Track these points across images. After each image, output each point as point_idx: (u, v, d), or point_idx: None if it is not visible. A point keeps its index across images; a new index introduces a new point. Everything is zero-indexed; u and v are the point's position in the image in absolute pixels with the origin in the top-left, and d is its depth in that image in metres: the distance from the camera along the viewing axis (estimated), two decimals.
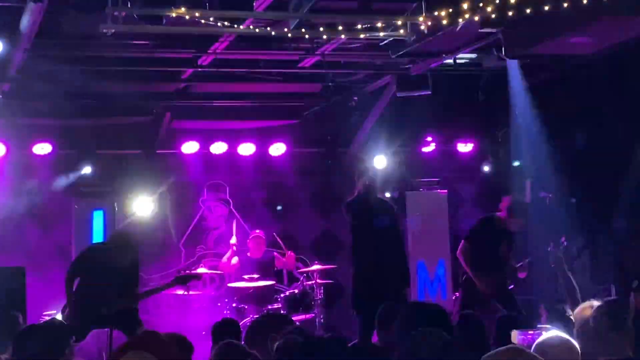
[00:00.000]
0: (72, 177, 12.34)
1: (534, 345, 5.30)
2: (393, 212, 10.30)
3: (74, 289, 9.47)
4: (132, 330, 9.08)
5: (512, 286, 11.10)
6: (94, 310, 9.05)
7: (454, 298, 12.18)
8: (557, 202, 12.13)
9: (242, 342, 6.81)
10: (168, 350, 3.45)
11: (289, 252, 12.46)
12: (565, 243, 11.66)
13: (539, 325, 9.11)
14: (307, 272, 12.31)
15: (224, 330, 8.00)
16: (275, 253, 12.52)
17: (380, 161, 13.34)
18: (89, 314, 9.08)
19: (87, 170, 12.44)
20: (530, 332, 6.41)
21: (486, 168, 13.79)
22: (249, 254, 12.40)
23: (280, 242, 12.49)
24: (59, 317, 10.22)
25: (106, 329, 8.47)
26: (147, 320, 13.00)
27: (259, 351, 6.44)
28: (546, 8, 7.53)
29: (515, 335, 6.38)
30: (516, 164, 13.37)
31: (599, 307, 5.82)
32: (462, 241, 11.00)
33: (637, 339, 5.61)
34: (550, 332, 5.79)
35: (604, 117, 13.13)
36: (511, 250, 10.96)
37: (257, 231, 12.52)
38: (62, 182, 12.31)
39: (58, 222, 12.61)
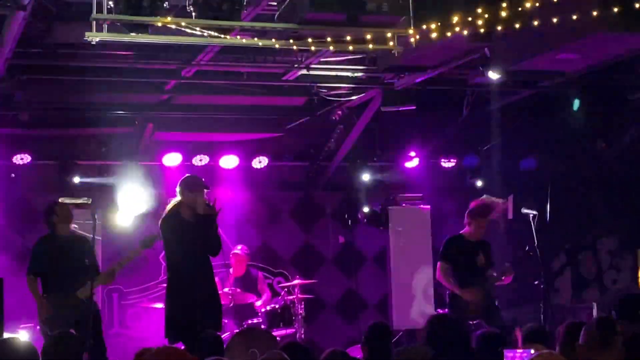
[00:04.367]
0: None
1: None
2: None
3: (40, 290, 9.46)
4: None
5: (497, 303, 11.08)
6: (69, 299, 9.22)
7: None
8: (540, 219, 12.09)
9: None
10: None
11: None
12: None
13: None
14: (288, 287, 12.22)
15: (206, 344, 7.91)
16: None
17: (363, 175, 13.36)
18: (66, 305, 9.21)
19: (75, 179, 12.35)
20: (518, 350, 6.37)
21: (479, 183, 13.72)
22: (230, 271, 12.29)
23: None
24: (25, 335, 10.15)
25: None
26: (125, 333, 12.95)
27: None
28: (535, 23, 7.49)
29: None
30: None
31: (588, 325, 5.78)
32: (439, 263, 11.01)
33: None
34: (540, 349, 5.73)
35: (587, 135, 13.16)
36: (489, 259, 10.96)
37: (239, 247, 12.39)
38: None
39: (39, 232, 12.43)
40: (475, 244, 10.88)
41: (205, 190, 9.36)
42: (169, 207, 9.54)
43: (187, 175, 9.64)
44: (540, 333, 8.59)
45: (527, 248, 11.40)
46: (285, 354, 6.11)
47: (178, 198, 9.39)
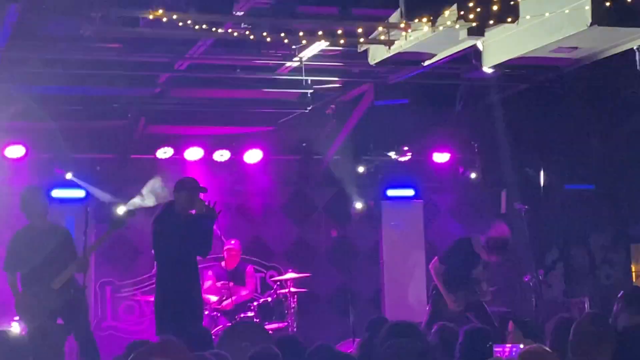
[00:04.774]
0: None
1: (517, 356, 5.23)
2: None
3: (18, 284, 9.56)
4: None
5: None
6: (44, 291, 9.34)
7: (427, 309, 12.11)
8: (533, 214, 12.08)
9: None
10: (187, 358, 3.45)
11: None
12: (541, 277, 11.59)
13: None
14: (280, 281, 12.22)
15: (195, 338, 7.91)
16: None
17: (356, 169, 13.35)
18: (41, 296, 9.33)
19: (69, 175, 12.32)
20: (507, 345, 6.38)
21: (473, 175, 13.69)
22: (223, 264, 12.29)
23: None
24: (17, 327, 10.16)
25: None
26: (118, 326, 12.94)
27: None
28: (528, 17, 7.49)
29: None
30: None
31: (579, 321, 5.79)
32: (436, 258, 11.01)
33: (620, 343, 5.58)
34: (529, 344, 5.74)
35: (579, 130, 13.17)
36: (485, 273, 10.96)
37: (232, 242, 12.38)
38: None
39: None
40: (480, 257, 10.83)
41: (202, 193, 9.51)
42: (162, 205, 9.64)
43: (185, 177, 9.78)
44: (531, 328, 8.61)
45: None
46: (281, 346, 6.13)
47: (172, 198, 9.55)
